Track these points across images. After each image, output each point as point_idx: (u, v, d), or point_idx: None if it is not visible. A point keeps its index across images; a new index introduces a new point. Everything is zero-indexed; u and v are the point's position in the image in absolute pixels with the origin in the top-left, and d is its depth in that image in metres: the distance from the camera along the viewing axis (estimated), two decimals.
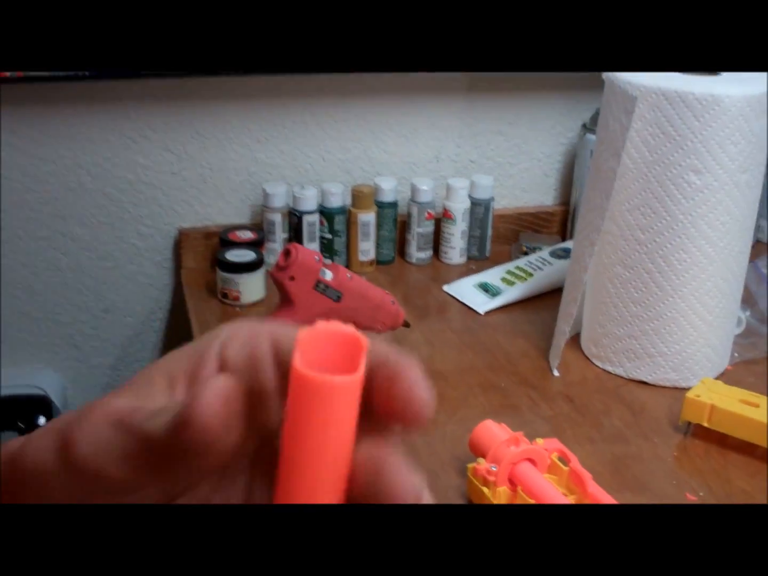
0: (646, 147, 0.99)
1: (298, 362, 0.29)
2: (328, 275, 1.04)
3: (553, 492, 0.82)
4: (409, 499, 0.30)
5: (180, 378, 0.34)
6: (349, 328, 0.30)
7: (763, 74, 1.03)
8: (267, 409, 0.34)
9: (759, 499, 0.88)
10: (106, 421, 0.33)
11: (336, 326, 0.30)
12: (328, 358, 0.30)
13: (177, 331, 1.48)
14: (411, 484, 0.30)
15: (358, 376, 0.29)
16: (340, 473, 0.30)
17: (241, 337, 0.34)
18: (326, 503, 0.30)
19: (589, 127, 1.41)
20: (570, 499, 0.83)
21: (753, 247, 1.46)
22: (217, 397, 0.30)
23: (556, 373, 1.11)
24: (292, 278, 1.02)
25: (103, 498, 0.34)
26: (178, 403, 0.31)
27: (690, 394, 0.97)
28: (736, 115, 0.96)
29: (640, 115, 0.98)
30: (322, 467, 0.30)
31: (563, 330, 1.09)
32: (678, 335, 1.05)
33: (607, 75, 1.03)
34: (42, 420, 1.32)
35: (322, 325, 0.30)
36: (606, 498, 0.83)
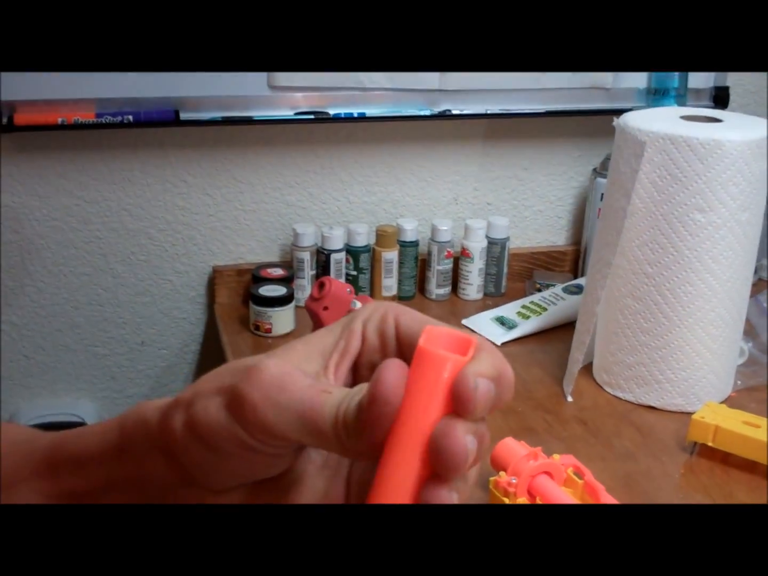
0: (654, 188, 1.07)
1: (423, 342, 0.36)
2: (358, 305, 1.13)
3: (570, 502, 0.89)
4: (460, 456, 0.35)
5: (334, 355, 0.41)
6: (464, 333, 0.38)
7: (763, 120, 1.12)
8: None
9: None
10: (286, 393, 0.37)
11: (454, 330, 0.38)
12: (444, 347, 0.37)
13: (209, 362, 1.56)
14: (463, 443, 0.35)
15: (466, 359, 0.36)
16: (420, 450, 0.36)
17: (376, 319, 0.41)
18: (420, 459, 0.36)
19: (599, 171, 1.50)
20: None
21: (755, 284, 1.54)
22: (397, 376, 0.36)
23: (569, 398, 1.18)
24: (325, 308, 1.10)
25: (272, 451, 0.39)
26: (363, 390, 0.37)
27: (696, 416, 1.04)
28: (737, 158, 1.04)
29: (649, 158, 1.06)
30: (426, 426, 0.36)
31: (577, 358, 1.17)
32: (684, 363, 1.12)
33: (617, 122, 1.12)
34: None
35: (444, 327, 0.38)
36: None
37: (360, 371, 0.42)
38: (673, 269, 1.09)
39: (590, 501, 0.92)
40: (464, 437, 0.35)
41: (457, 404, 0.36)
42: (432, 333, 0.37)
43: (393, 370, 0.36)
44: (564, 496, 0.90)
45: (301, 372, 0.39)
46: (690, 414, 1.07)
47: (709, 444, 1.03)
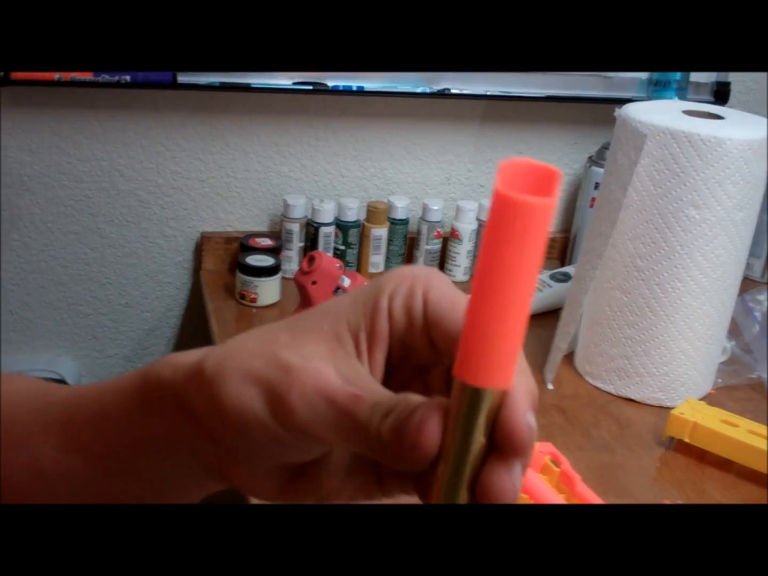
0: (651, 181, 1.07)
1: (500, 185, 0.31)
2: (347, 282, 1.12)
3: (545, 489, 0.90)
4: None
5: (362, 336, 0.38)
6: (542, 163, 0.32)
7: (765, 120, 1.12)
8: (415, 359, 0.39)
9: None
10: (321, 398, 0.35)
11: (532, 161, 0.32)
12: (524, 186, 0.31)
13: (191, 327, 1.55)
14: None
15: (552, 201, 0.31)
16: (528, 296, 0.32)
17: (402, 294, 0.37)
18: (519, 319, 0.33)
19: (595, 160, 1.49)
20: (560, 498, 0.90)
21: (742, 283, 1.55)
22: (437, 426, 0.34)
23: (550, 386, 1.18)
24: (314, 282, 1.10)
25: (301, 447, 0.38)
26: (400, 407, 0.34)
27: (675, 412, 1.04)
28: (737, 157, 1.04)
29: (648, 151, 1.06)
30: (515, 287, 0.32)
31: (560, 347, 1.17)
32: (667, 358, 1.13)
33: (619, 113, 1.11)
34: None
35: (520, 159, 0.32)
36: (593, 497, 0.90)
37: (393, 356, 0.39)
38: (663, 264, 1.09)
39: (565, 489, 0.92)
40: (514, 478, 0.34)
41: (512, 449, 0.34)
42: (509, 169, 0.32)
43: (434, 420, 0.34)
44: (540, 483, 0.90)
45: (334, 370, 0.36)
46: (669, 409, 1.08)
47: (686, 440, 1.04)
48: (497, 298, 0.32)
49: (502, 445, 0.34)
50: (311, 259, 1.10)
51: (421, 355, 0.39)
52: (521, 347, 0.34)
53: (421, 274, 0.38)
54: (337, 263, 1.11)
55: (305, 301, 1.11)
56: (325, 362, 0.36)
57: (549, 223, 0.31)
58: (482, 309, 0.32)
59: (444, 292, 0.37)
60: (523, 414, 0.34)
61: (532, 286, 0.32)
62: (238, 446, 0.38)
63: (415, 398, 0.35)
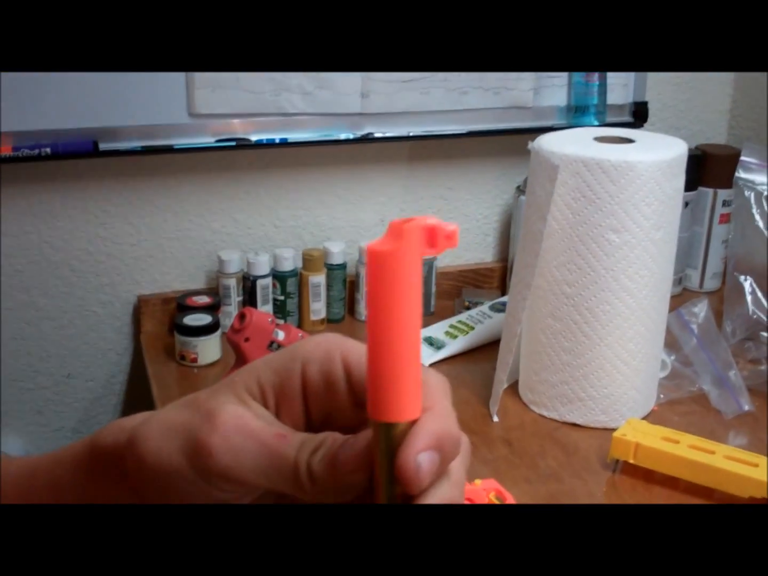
0: (569, 210, 1.09)
1: (371, 244, 0.35)
2: (281, 335, 1.12)
3: None
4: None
5: (270, 392, 0.39)
6: (406, 218, 0.35)
7: (675, 139, 1.14)
8: (340, 420, 0.40)
9: None
10: (244, 437, 0.37)
11: (407, 219, 0.35)
12: (392, 240, 0.35)
13: (137, 392, 1.54)
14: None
15: (397, 246, 0.34)
16: (415, 336, 0.35)
17: (318, 360, 0.39)
18: (411, 359, 0.35)
19: (523, 189, 1.51)
20: None
21: (680, 295, 1.57)
22: (362, 460, 0.36)
23: (495, 418, 1.19)
24: (247, 339, 1.10)
25: (227, 496, 0.38)
26: (329, 442, 0.37)
27: (617, 434, 1.05)
28: (648, 178, 1.06)
29: (563, 181, 1.08)
30: (395, 328, 0.35)
31: (501, 379, 1.18)
32: (606, 380, 1.14)
33: (532, 146, 1.13)
34: None
35: (400, 219, 0.35)
36: None
37: (311, 416, 0.40)
38: (590, 289, 1.10)
39: None
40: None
41: (404, 485, 0.35)
42: (389, 229, 0.35)
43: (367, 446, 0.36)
44: None
45: (252, 413, 0.38)
46: (613, 430, 1.08)
47: (631, 461, 1.04)
48: (382, 341, 0.35)
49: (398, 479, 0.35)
50: (242, 316, 1.10)
51: (347, 417, 0.40)
52: (419, 381, 0.36)
53: (335, 339, 0.40)
54: (269, 317, 1.11)
55: (240, 359, 1.11)
56: (241, 407, 0.38)
57: (407, 267, 0.34)
58: (373, 352, 0.35)
59: (363, 352, 0.38)
60: (413, 452, 0.35)
61: (412, 324, 0.35)
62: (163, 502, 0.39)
63: (339, 435, 0.37)
